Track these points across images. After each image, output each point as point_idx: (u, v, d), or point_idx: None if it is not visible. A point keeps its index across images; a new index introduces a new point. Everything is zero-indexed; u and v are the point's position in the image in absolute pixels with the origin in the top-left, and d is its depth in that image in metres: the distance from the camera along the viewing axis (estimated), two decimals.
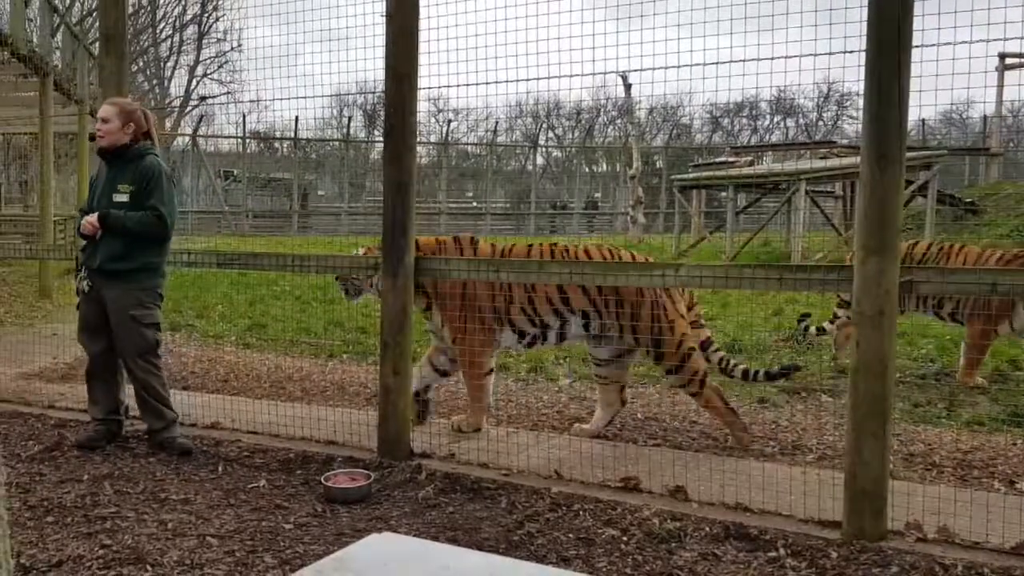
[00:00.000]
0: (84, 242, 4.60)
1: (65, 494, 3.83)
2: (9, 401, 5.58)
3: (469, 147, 37.36)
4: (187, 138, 30.71)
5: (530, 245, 5.02)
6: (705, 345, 4.88)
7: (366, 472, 4.06)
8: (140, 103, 4.88)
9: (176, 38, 37.77)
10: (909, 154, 6.74)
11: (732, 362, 4.93)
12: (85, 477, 4.08)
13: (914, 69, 3.27)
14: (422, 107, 4.55)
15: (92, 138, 4.63)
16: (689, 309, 4.83)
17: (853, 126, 34.85)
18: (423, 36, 4.28)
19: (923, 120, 28.09)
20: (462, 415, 4.95)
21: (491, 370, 4.96)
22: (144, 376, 4.53)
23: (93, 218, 4.46)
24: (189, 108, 36.89)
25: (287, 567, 3.07)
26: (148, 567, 3.07)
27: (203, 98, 36.40)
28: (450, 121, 34.41)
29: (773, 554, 3.23)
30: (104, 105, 4.63)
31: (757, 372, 4.88)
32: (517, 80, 4.27)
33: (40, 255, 8.57)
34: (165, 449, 4.50)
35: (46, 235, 12.71)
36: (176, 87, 38.00)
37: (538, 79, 4.18)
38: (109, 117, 4.49)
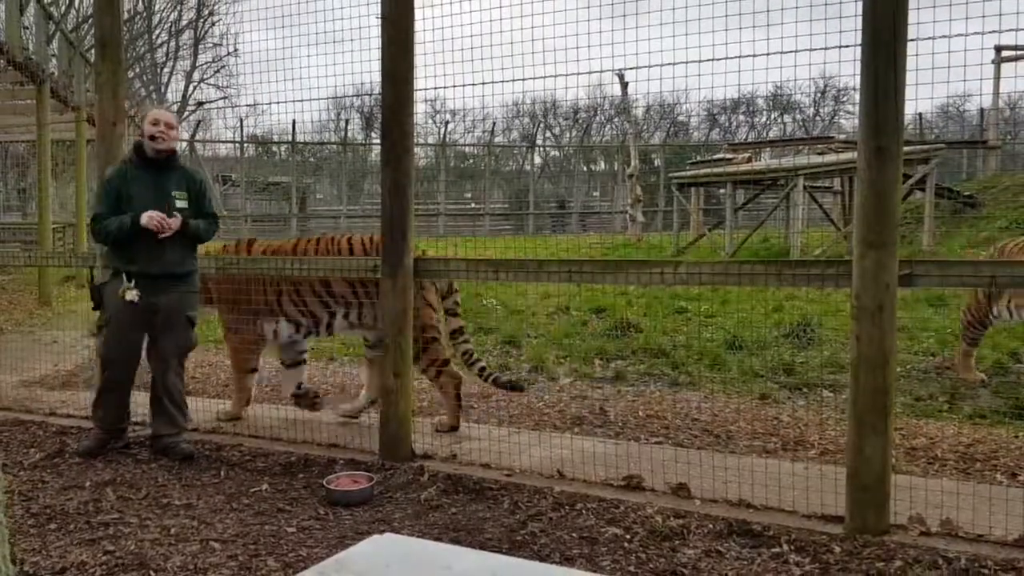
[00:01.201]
0: (105, 250, 4.57)
1: (67, 501, 3.83)
2: (10, 409, 5.59)
3: (467, 148, 37.35)
4: (184, 143, 30.70)
5: (297, 240, 5.39)
6: (456, 334, 5.14)
7: (368, 474, 4.06)
8: None
9: (172, 43, 37.78)
10: (907, 148, 6.73)
11: (475, 357, 5.19)
12: (87, 484, 4.08)
13: (910, 63, 3.27)
14: (419, 109, 4.56)
15: (153, 138, 4.50)
16: (445, 298, 5.08)
17: (850, 121, 34.83)
18: (419, 38, 4.29)
19: (920, 114, 28.03)
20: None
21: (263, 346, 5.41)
22: (175, 379, 4.64)
23: (175, 222, 4.45)
24: (186, 113, 36.88)
25: (290, 570, 3.07)
26: (151, 572, 3.07)
27: (200, 103, 36.39)
28: (447, 122, 34.40)
29: (776, 550, 3.23)
30: (163, 112, 4.69)
31: (491, 374, 5.21)
32: (513, 80, 4.28)
33: (39, 262, 8.57)
34: (167, 454, 4.51)
35: (45, 242, 12.70)
36: (173, 92, 37.98)
37: (534, 79, 4.18)
38: (174, 124, 4.64)
